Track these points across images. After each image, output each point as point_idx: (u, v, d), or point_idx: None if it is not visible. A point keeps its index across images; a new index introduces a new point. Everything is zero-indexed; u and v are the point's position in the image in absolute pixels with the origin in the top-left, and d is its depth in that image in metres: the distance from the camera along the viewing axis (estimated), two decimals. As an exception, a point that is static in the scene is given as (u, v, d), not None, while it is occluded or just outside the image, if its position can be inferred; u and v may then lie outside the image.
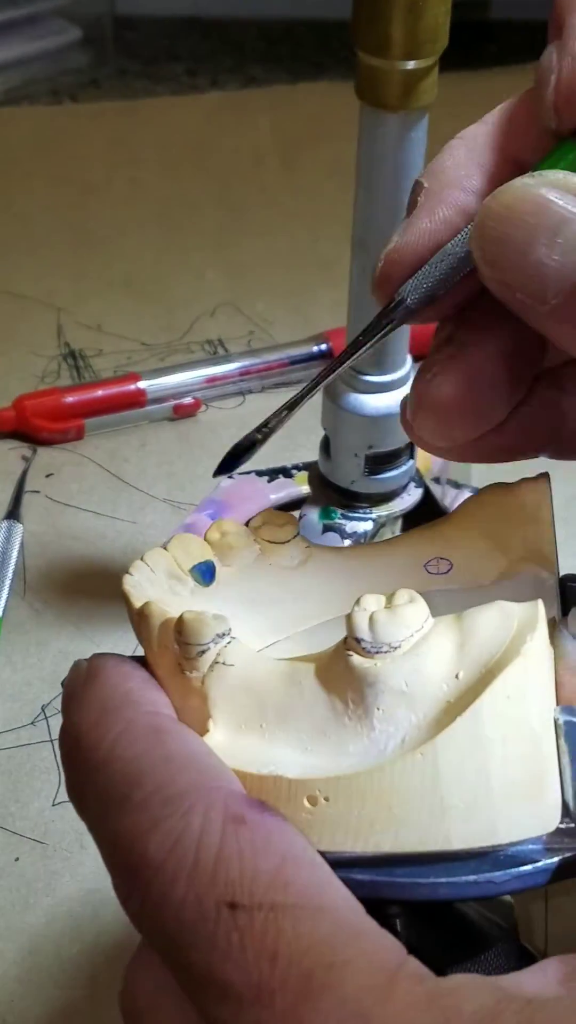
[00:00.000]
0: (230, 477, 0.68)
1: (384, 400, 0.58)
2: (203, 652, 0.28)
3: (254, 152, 0.99)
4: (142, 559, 0.32)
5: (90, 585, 0.63)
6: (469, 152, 0.31)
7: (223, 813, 0.25)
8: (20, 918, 0.49)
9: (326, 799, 0.26)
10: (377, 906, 0.25)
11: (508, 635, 0.27)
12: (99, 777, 0.26)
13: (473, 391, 0.30)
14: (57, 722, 0.55)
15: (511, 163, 0.31)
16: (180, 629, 0.28)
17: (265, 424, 0.32)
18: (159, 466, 0.70)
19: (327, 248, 0.88)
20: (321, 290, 0.84)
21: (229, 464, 0.33)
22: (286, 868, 0.24)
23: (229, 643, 0.28)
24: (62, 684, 0.29)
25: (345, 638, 0.27)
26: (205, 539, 0.33)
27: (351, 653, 0.27)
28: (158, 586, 0.32)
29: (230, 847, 0.24)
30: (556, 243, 0.27)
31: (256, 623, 0.32)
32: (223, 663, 0.28)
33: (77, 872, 0.50)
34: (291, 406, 0.32)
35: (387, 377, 0.58)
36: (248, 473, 0.68)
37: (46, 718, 0.56)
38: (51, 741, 0.55)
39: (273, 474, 0.68)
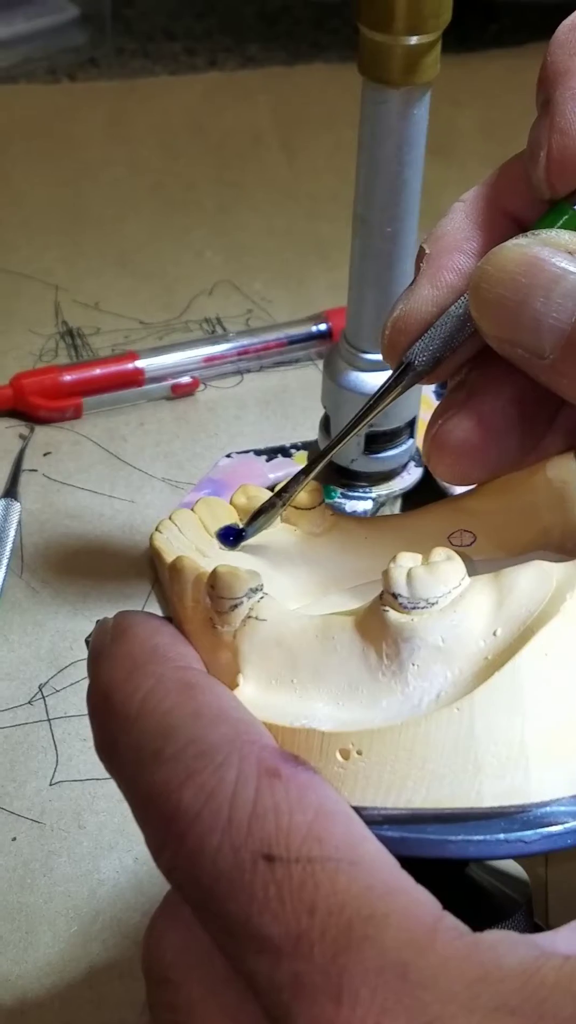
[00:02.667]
0: (229, 457, 0.67)
1: (384, 378, 0.57)
2: (236, 607, 0.28)
3: (252, 132, 0.98)
4: (170, 518, 0.33)
5: (88, 564, 0.62)
6: (468, 214, 0.32)
7: (257, 766, 0.25)
8: (17, 898, 0.48)
9: (359, 753, 0.26)
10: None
11: (547, 593, 0.27)
12: (131, 732, 0.26)
13: (484, 436, 0.32)
14: (55, 701, 0.55)
15: (510, 222, 0.32)
16: (213, 583, 0.28)
17: (284, 489, 0.33)
18: (157, 445, 0.69)
19: (325, 228, 0.87)
20: (319, 270, 0.84)
21: (248, 525, 0.33)
22: (321, 822, 0.24)
23: (262, 598, 0.28)
24: (86, 642, 0.29)
25: (381, 594, 0.27)
26: (231, 503, 0.34)
27: (387, 608, 0.27)
28: (184, 546, 0.32)
29: (265, 800, 0.24)
30: (550, 300, 0.28)
31: (280, 587, 0.31)
32: (256, 618, 0.28)
33: (74, 852, 0.50)
34: (308, 470, 0.33)
35: (387, 356, 0.57)
36: (247, 452, 0.68)
37: (43, 698, 0.55)
38: (48, 721, 0.54)
39: (272, 453, 0.68)
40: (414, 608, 0.27)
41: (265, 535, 0.34)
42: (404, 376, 0.32)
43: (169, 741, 0.25)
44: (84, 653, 0.55)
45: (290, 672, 0.28)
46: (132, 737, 0.26)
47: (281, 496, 0.33)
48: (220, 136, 0.97)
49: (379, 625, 0.27)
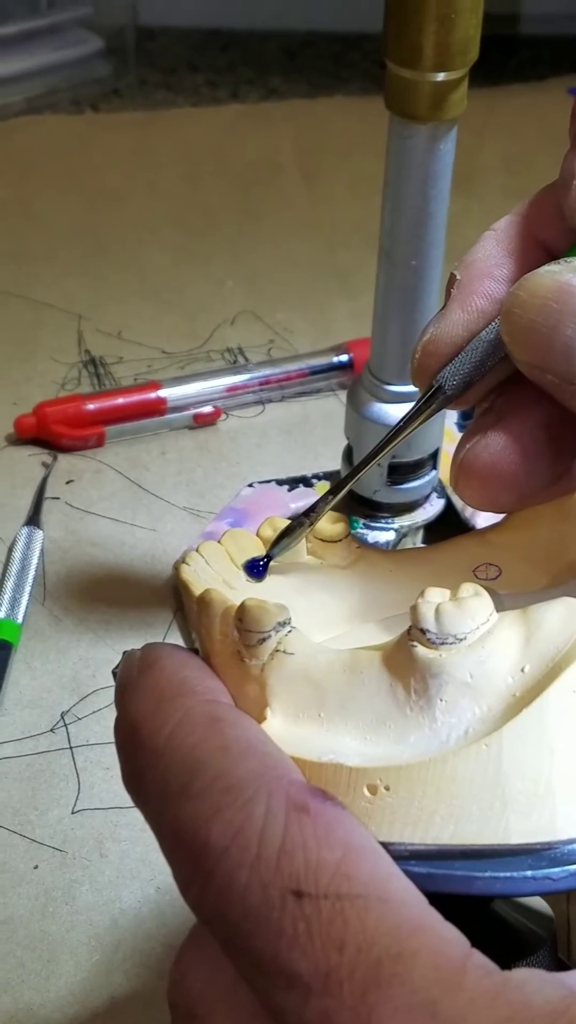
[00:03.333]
0: (250, 486, 0.68)
1: (407, 410, 0.57)
2: (264, 640, 0.28)
3: (273, 163, 0.99)
4: (197, 550, 0.33)
5: (110, 592, 0.62)
6: (499, 242, 0.32)
7: (285, 802, 0.25)
8: (39, 926, 0.49)
9: (386, 788, 0.26)
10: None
11: (575, 630, 0.27)
12: (158, 766, 0.26)
13: (513, 459, 0.31)
14: (76, 729, 0.55)
15: (541, 250, 0.32)
16: (241, 616, 0.28)
17: (312, 509, 0.33)
18: (179, 474, 0.70)
19: (346, 258, 0.88)
20: (340, 299, 0.84)
21: (275, 546, 0.33)
22: (349, 858, 0.24)
23: (290, 632, 0.28)
24: (113, 673, 0.29)
25: (409, 629, 0.27)
26: (257, 535, 0.34)
27: (415, 644, 0.27)
28: (212, 578, 0.32)
29: (293, 836, 0.24)
30: None
31: (307, 620, 0.31)
32: (284, 651, 0.28)
33: (96, 881, 0.50)
34: (335, 490, 0.33)
35: (411, 387, 0.57)
36: (268, 482, 0.68)
37: (65, 725, 0.55)
38: (70, 749, 0.54)
39: (294, 483, 0.68)
40: (442, 644, 0.27)
41: (292, 567, 0.34)
42: (434, 399, 0.33)
43: (197, 775, 0.25)
44: (107, 681, 0.55)
45: (317, 706, 0.28)
46: (159, 771, 0.26)
47: (308, 516, 0.33)
48: (241, 166, 0.98)
49: (407, 660, 0.27)
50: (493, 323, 0.32)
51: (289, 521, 0.34)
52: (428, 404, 0.33)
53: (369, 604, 0.34)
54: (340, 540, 0.34)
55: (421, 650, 0.27)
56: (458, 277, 0.32)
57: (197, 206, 0.93)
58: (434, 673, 0.27)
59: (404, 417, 0.33)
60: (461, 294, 0.32)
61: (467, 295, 0.32)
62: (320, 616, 0.33)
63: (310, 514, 0.33)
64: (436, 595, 0.27)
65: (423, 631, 0.27)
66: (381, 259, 0.55)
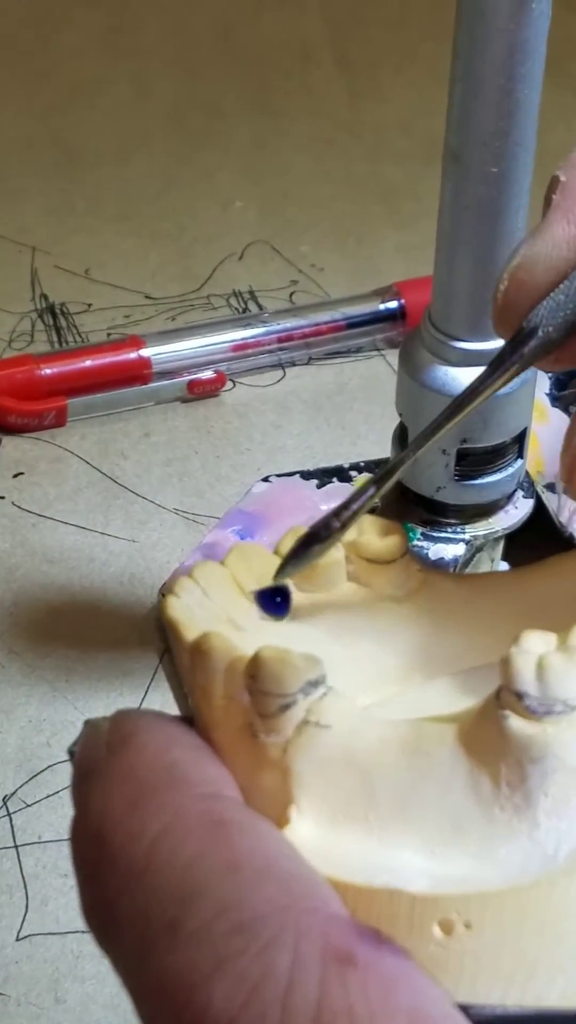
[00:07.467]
0: (266, 480, 0.68)
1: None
2: (288, 707, 0.27)
3: (298, 42, 0.99)
4: (190, 576, 0.33)
5: (72, 627, 0.62)
6: None
7: (322, 948, 0.24)
8: None
9: (467, 926, 0.26)
10: None
11: None
12: (135, 893, 0.25)
13: None
14: (24, 820, 0.54)
15: None
16: (255, 673, 0.28)
17: (346, 505, 0.33)
18: (168, 464, 0.69)
19: (395, 171, 0.88)
20: (388, 227, 0.84)
21: (295, 558, 0.33)
22: None
23: (324, 695, 0.28)
24: (70, 753, 0.29)
25: (499, 692, 0.27)
26: (276, 552, 0.33)
27: (508, 713, 0.27)
28: (212, 615, 0.32)
29: (335, 1000, 0.23)
30: None
31: (347, 675, 0.30)
32: (316, 723, 0.27)
33: (50, 1034, 0.49)
34: (379, 481, 0.33)
35: (487, 344, 0.56)
36: (291, 475, 0.68)
37: (8, 815, 0.55)
38: (15, 847, 0.54)
39: (325, 476, 0.67)
40: (547, 714, 0.26)
41: (326, 599, 0.33)
42: (524, 346, 0.33)
43: (191, 908, 0.25)
44: (65, 751, 0.53)
45: (365, 803, 0.27)
46: (137, 900, 0.25)
47: (339, 517, 0.33)
48: (255, 48, 0.98)
49: (496, 738, 0.27)
50: None
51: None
52: (519, 353, 0.33)
53: (436, 653, 0.34)
54: (394, 560, 0.34)
55: (517, 723, 0.26)
56: (562, 179, 0.33)
57: (196, 101, 0.94)
58: (535, 757, 0.26)
59: (489, 370, 0.33)
60: (567, 202, 0.32)
61: (574, 203, 0.32)
62: (366, 670, 0.33)
63: (341, 514, 0.33)
64: (537, 642, 0.27)
65: (519, 695, 0.26)
66: (448, 167, 0.54)
